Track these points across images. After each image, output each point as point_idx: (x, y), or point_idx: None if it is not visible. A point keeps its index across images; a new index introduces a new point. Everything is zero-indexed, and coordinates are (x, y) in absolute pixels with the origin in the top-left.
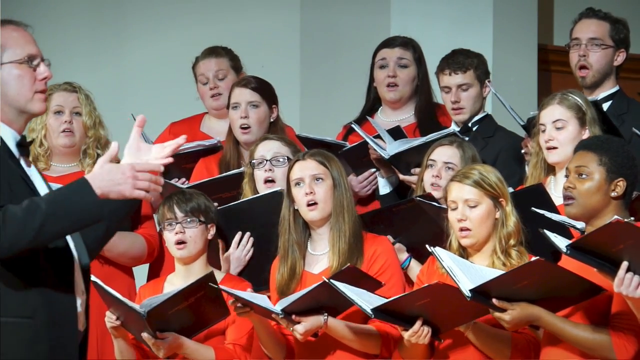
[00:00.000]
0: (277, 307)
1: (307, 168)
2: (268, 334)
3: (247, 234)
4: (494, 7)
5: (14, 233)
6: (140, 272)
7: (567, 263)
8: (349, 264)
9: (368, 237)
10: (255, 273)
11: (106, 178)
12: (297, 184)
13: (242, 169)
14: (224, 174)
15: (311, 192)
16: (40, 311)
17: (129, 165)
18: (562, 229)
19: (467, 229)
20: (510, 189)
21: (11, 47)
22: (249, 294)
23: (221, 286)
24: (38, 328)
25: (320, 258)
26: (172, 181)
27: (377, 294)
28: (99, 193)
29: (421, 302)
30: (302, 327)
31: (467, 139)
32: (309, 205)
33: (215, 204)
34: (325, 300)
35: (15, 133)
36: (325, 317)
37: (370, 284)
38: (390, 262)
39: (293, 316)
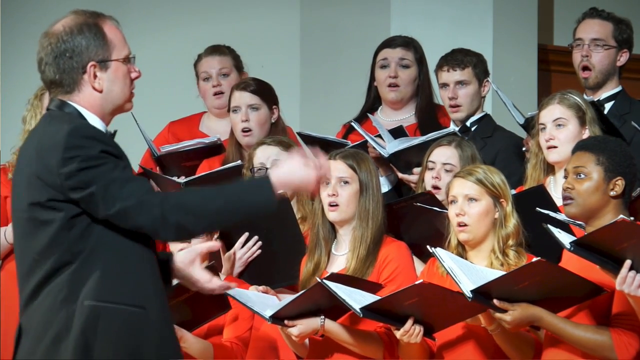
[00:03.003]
0: (267, 313)
1: (334, 169)
2: None
3: (255, 237)
4: (494, 7)
5: (189, 220)
6: None
7: (568, 263)
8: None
9: (386, 241)
10: (256, 274)
11: (290, 176)
12: (325, 182)
13: (238, 162)
14: (220, 168)
15: (334, 194)
16: (153, 303)
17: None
18: (567, 229)
19: (465, 224)
20: (512, 191)
21: (117, 44)
22: (245, 294)
23: (225, 283)
24: (150, 319)
25: (340, 259)
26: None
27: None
28: (279, 191)
29: (410, 302)
30: (297, 330)
31: (466, 138)
32: (330, 205)
33: None
34: (323, 303)
35: (106, 127)
36: (322, 321)
37: (369, 287)
38: (402, 268)
39: (285, 321)
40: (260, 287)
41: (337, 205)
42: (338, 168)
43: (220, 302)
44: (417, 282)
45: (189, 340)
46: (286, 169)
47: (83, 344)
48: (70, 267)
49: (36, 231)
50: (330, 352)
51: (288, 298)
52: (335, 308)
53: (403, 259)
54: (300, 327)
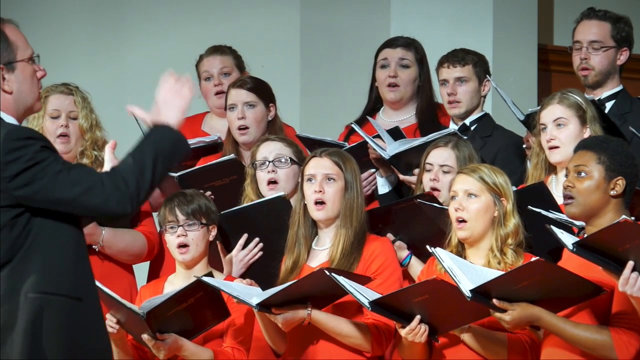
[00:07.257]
0: (254, 301)
1: (321, 166)
2: (269, 322)
3: (256, 239)
4: (494, 7)
5: (136, 185)
6: (140, 270)
7: (567, 263)
8: (320, 267)
9: (370, 238)
10: (258, 276)
11: (172, 108)
12: (309, 179)
13: (231, 155)
14: (215, 161)
15: (320, 191)
16: (88, 294)
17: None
18: (563, 227)
19: (464, 220)
20: (512, 188)
21: (19, 45)
22: (228, 285)
23: (204, 278)
24: (86, 310)
25: (321, 253)
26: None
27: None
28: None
29: (419, 299)
30: (282, 318)
31: (465, 138)
32: (316, 203)
33: (208, 192)
34: (312, 292)
35: None
36: (309, 310)
37: (358, 280)
38: (389, 262)
39: (272, 309)
40: (245, 280)
41: (323, 203)
42: (324, 165)
43: (220, 310)
44: (429, 278)
45: (189, 349)
46: (175, 108)
47: (31, 335)
48: (9, 264)
49: None
50: (316, 338)
51: (277, 287)
52: (321, 297)
53: (389, 254)
54: (286, 316)
